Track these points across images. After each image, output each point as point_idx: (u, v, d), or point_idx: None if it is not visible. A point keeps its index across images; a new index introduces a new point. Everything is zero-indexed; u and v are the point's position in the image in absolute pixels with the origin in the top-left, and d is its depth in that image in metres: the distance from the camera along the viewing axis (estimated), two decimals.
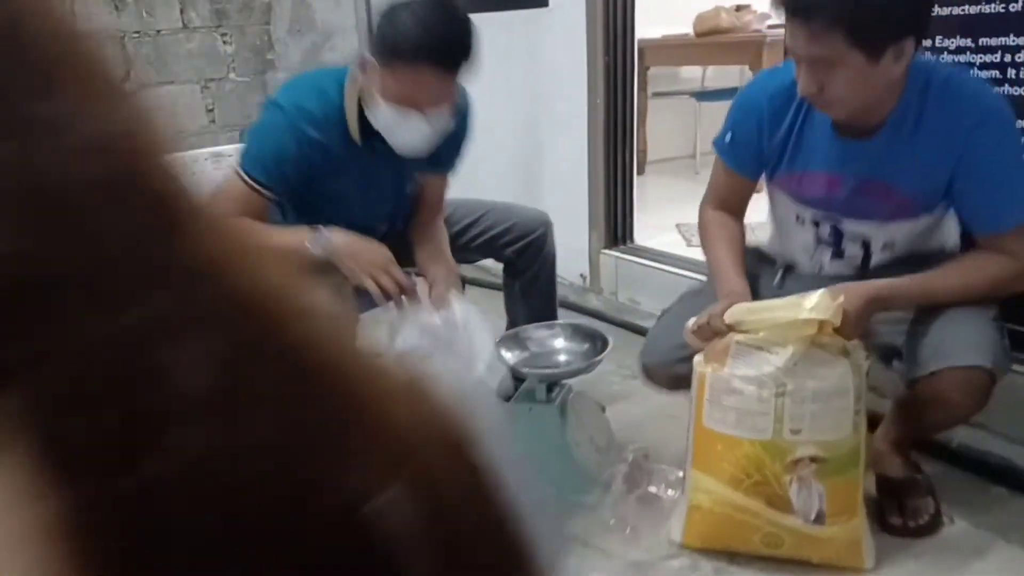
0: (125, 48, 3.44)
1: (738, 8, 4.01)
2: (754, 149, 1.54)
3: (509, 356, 1.71)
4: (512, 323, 1.98)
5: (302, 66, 3.84)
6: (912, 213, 1.49)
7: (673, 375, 1.58)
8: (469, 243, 1.95)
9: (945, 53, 1.81)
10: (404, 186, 1.80)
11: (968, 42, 1.77)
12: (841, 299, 1.31)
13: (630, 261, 2.86)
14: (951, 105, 1.35)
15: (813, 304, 1.33)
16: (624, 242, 2.98)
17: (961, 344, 1.37)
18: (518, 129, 3.24)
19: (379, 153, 1.62)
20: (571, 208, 3.02)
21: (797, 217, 1.60)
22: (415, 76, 1.46)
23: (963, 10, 1.77)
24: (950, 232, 1.57)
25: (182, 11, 3.52)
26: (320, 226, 1.54)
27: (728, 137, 1.60)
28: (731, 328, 1.41)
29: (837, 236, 1.56)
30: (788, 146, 1.50)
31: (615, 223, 2.95)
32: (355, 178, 1.66)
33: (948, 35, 1.80)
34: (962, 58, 1.78)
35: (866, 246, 1.55)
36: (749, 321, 1.40)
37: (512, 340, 1.74)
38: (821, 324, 1.32)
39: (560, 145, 3.04)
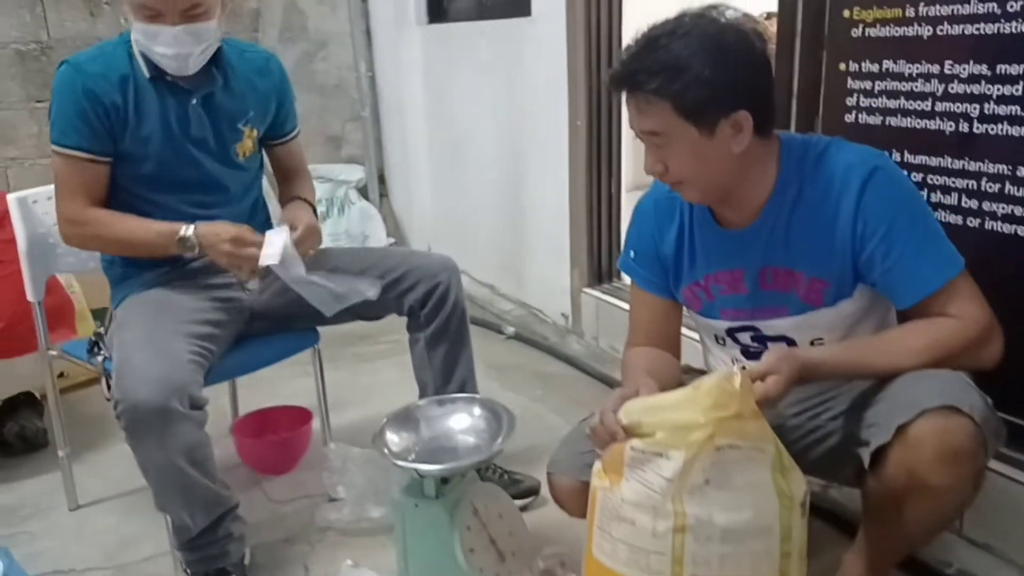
0: None
1: (768, 16, 3.65)
2: (658, 261, 1.39)
3: (395, 441, 1.44)
4: (422, 391, 1.71)
5: (293, 76, 3.64)
6: (827, 300, 1.26)
7: (579, 489, 1.28)
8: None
9: (955, 82, 1.47)
10: (226, 139, 1.65)
11: (983, 69, 1.42)
12: (744, 375, 1.09)
13: (613, 303, 2.55)
14: (829, 173, 1.22)
15: (710, 392, 1.04)
16: (608, 280, 2.67)
17: (926, 390, 1.12)
18: (500, 148, 2.98)
19: (176, 90, 1.58)
20: (553, 240, 2.74)
21: (716, 337, 1.39)
22: None
23: (977, 29, 1.42)
24: (891, 325, 1.32)
25: None
26: (183, 225, 1.53)
27: (632, 254, 1.43)
28: (628, 431, 1.11)
29: (761, 342, 1.33)
30: (683, 253, 1.36)
31: (598, 259, 2.65)
32: (163, 120, 1.58)
33: (959, 60, 1.45)
34: (975, 88, 1.44)
35: (792, 346, 1.30)
36: (646, 422, 1.10)
37: (401, 420, 1.46)
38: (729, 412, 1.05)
39: (542, 169, 2.77)
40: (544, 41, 2.59)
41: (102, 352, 1.59)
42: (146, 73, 1.54)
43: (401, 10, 3.46)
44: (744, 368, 1.15)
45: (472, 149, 3.19)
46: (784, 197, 1.25)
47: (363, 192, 3.81)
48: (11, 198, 1.68)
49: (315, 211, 1.77)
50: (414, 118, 3.53)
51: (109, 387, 1.46)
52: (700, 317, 1.41)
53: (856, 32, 1.63)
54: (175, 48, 1.49)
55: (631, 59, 1.17)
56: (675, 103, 1.14)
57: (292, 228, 1.56)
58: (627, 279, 2.33)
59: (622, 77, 1.18)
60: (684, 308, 1.43)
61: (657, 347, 1.40)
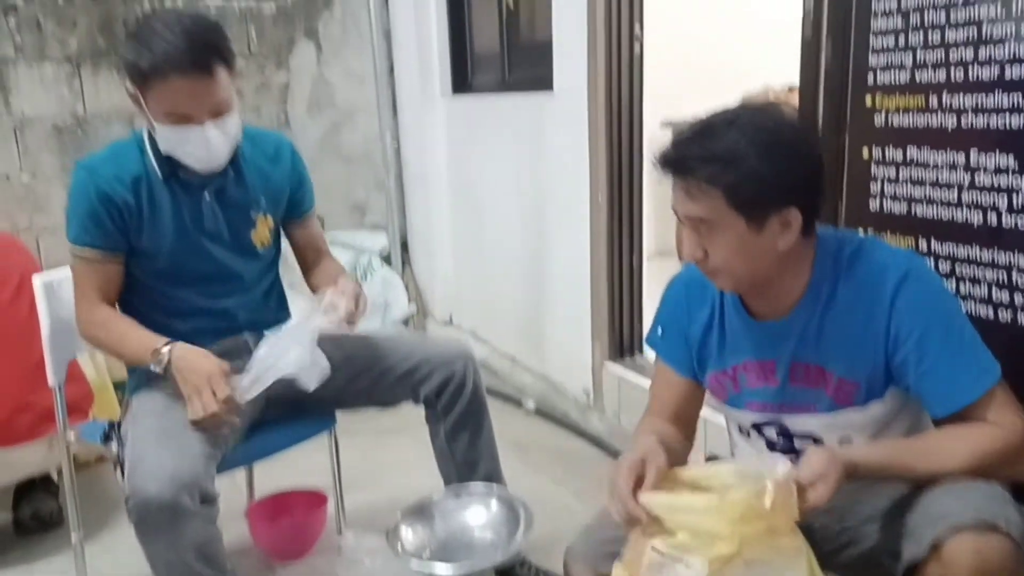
0: (135, 128, 3.38)
1: (791, 89, 3.67)
2: (685, 343, 1.36)
3: (409, 538, 1.40)
4: (446, 482, 1.68)
5: (320, 146, 3.72)
6: (857, 400, 1.22)
7: None
8: (376, 383, 1.69)
9: (982, 172, 1.44)
10: (240, 229, 1.66)
11: (1011, 161, 1.39)
12: (786, 484, 1.04)
13: (635, 379, 2.51)
14: (863, 274, 1.21)
15: (737, 505, 1.01)
16: (630, 354, 2.63)
17: (962, 504, 1.07)
18: (522, 219, 2.99)
19: (189, 187, 1.60)
20: (575, 313, 2.72)
21: (740, 429, 1.36)
22: (170, 88, 1.45)
23: (1003, 121, 1.40)
24: (923, 428, 1.28)
25: None
26: (165, 342, 1.50)
27: (659, 330, 1.41)
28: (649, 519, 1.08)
29: (787, 438, 1.29)
30: (712, 339, 1.33)
31: (620, 332, 2.62)
32: (177, 217, 1.60)
33: (985, 150, 1.43)
34: (1002, 180, 1.41)
35: (826, 445, 1.25)
36: (669, 519, 1.06)
37: (417, 514, 1.43)
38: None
39: (563, 241, 2.76)
40: (566, 116, 2.61)
41: (116, 441, 1.58)
42: (159, 173, 1.57)
43: (427, 82, 3.52)
44: (785, 474, 1.07)
45: (494, 219, 3.20)
46: (818, 295, 1.22)
47: (386, 259, 3.83)
48: (37, 282, 1.70)
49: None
50: (437, 187, 3.56)
51: (123, 476, 1.45)
52: (725, 407, 1.37)
53: (879, 119, 1.62)
54: (206, 148, 1.51)
55: (685, 143, 1.15)
56: (728, 194, 1.12)
57: (333, 308, 1.52)
58: (651, 355, 2.32)
59: (675, 161, 1.15)
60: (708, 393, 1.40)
61: (674, 426, 1.37)
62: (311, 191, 1.79)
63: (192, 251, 1.61)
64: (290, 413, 1.70)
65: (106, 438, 1.62)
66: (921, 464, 1.14)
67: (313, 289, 1.76)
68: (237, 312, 1.67)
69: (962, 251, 1.50)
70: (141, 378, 1.61)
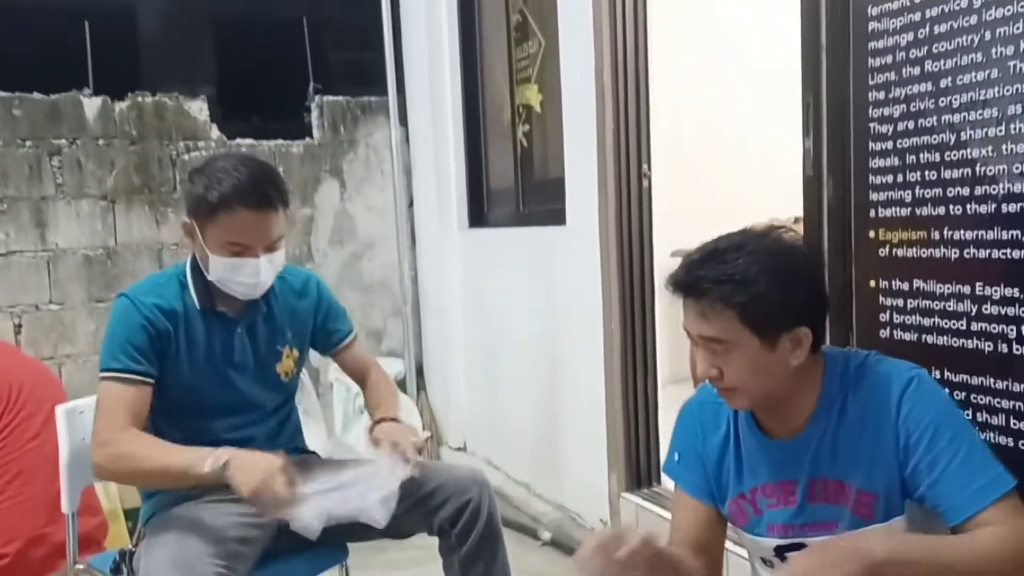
0: (162, 260, 3.50)
1: (796, 220, 3.77)
2: (702, 467, 1.37)
3: None
4: None
5: (340, 275, 3.83)
6: (878, 515, 1.22)
7: None
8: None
9: (988, 303, 1.47)
10: (267, 365, 1.72)
11: (1016, 292, 1.43)
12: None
13: (653, 509, 2.46)
14: (869, 385, 1.24)
15: None
16: (648, 485, 2.59)
17: None
18: (536, 348, 3.03)
19: (224, 320, 1.66)
20: (590, 442, 2.70)
21: (763, 560, 1.34)
22: (235, 221, 1.54)
23: (1004, 254, 1.44)
24: None
25: None
26: (212, 448, 1.51)
27: (676, 457, 1.41)
28: None
29: None
30: (728, 462, 1.33)
31: (636, 462, 2.59)
32: (208, 348, 1.65)
33: (989, 282, 1.46)
34: (1009, 310, 1.44)
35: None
36: None
37: None
38: None
39: (578, 369, 2.78)
40: (578, 248, 2.70)
41: (127, 571, 1.56)
42: (197, 305, 1.64)
43: (445, 216, 3.66)
44: None
45: (509, 347, 3.24)
46: (829, 410, 1.24)
47: (401, 385, 3.85)
48: (59, 410, 1.72)
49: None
50: (453, 316, 3.63)
51: None
52: (746, 535, 1.35)
53: (883, 251, 1.67)
54: (257, 278, 1.59)
55: (697, 266, 1.20)
56: (741, 313, 1.16)
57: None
58: (669, 484, 2.28)
59: (688, 283, 1.20)
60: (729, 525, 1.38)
61: (696, 558, 1.32)
62: (344, 319, 1.87)
63: (218, 382, 1.65)
64: (302, 544, 1.66)
65: (116, 569, 1.59)
66: (952, 554, 1.10)
67: (369, 408, 1.87)
68: (254, 439, 1.69)
69: (975, 380, 1.51)
70: (157, 505, 1.60)
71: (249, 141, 3.65)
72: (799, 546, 1.27)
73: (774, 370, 1.20)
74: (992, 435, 1.47)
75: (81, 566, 1.72)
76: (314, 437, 2.47)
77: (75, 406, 1.76)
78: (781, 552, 1.30)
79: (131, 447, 1.54)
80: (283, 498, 1.42)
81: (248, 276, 1.59)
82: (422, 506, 1.66)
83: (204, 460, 1.47)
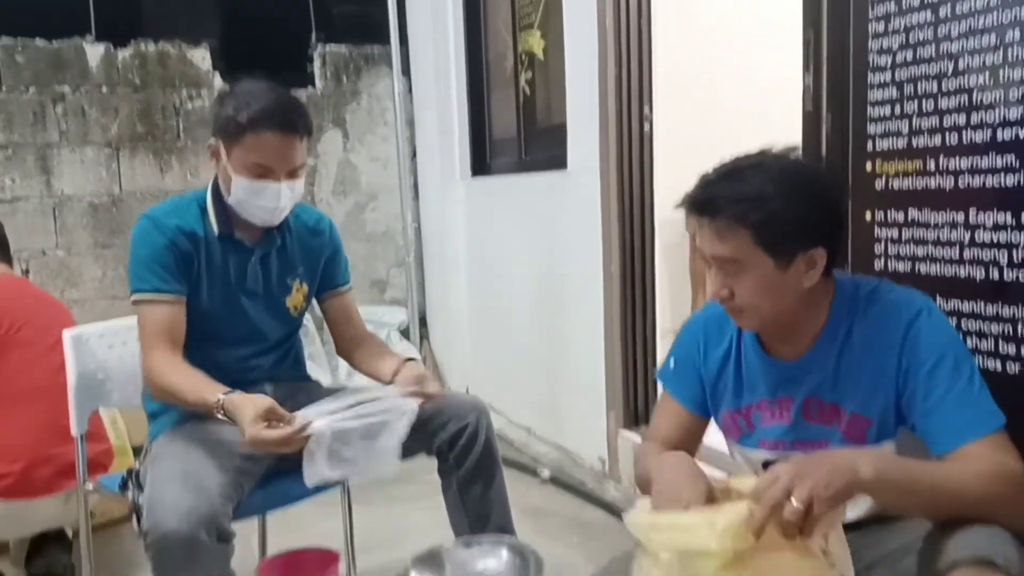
0: None
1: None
2: (698, 377, 1.39)
3: None
4: (457, 534, 1.68)
5: (344, 225, 3.85)
6: (869, 438, 1.23)
7: None
8: None
9: (981, 230, 1.49)
10: (277, 296, 1.74)
11: (1008, 218, 1.44)
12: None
13: None
14: (877, 313, 1.24)
15: (728, 514, 1.00)
16: (645, 423, 2.63)
17: (960, 541, 1.06)
18: (537, 293, 3.05)
19: (241, 248, 1.68)
20: (590, 384, 2.74)
21: (753, 470, 1.36)
22: (262, 142, 1.57)
23: (998, 180, 1.46)
24: None
25: None
26: (224, 391, 1.51)
27: (671, 363, 1.43)
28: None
29: None
30: (727, 377, 1.35)
31: (634, 402, 2.63)
32: (224, 275, 1.67)
33: (983, 209, 1.48)
34: (1001, 236, 1.45)
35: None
36: (653, 539, 1.05)
37: (427, 562, 1.43)
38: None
39: (578, 313, 2.81)
40: (579, 192, 2.71)
41: (133, 487, 1.61)
42: (216, 230, 1.66)
43: (447, 166, 3.66)
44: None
45: (510, 294, 3.27)
46: (835, 334, 1.25)
47: (405, 334, 3.89)
48: (66, 335, 1.76)
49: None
50: (455, 264, 3.65)
51: (139, 521, 1.46)
52: (737, 445, 1.38)
53: (880, 184, 1.68)
54: (276, 203, 1.61)
55: (712, 185, 1.19)
56: (755, 233, 1.15)
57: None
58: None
59: (703, 201, 1.18)
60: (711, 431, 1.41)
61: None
62: (345, 267, 1.88)
63: (230, 310, 1.68)
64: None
65: (124, 486, 1.64)
66: (940, 476, 1.10)
67: (359, 367, 1.82)
68: (259, 368, 1.73)
69: (967, 306, 1.53)
70: (163, 424, 1.64)
71: None
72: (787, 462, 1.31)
73: (786, 291, 1.20)
74: (981, 359, 1.50)
75: (90, 486, 1.77)
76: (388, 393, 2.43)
77: (82, 332, 1.80)
78: (769, 466, 1.34)
79: (166, 374, 1.56)
80: (274, 440, 1.41)
81: (269, 200, 1.60)
82: (422, 429, 1.70)
83: (211, 405, 1.49)
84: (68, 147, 3.36)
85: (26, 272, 3.30)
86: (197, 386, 1.54)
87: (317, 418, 1.47)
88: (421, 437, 1.71)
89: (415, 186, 3.91)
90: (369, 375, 1.78)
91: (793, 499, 0.99)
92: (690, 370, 1.40)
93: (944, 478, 1.11)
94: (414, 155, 3.91)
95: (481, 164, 3.59)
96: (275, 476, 1.68)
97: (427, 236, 3.91)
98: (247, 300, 1.71)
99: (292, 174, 1.62)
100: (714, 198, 1.17)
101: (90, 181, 3.39)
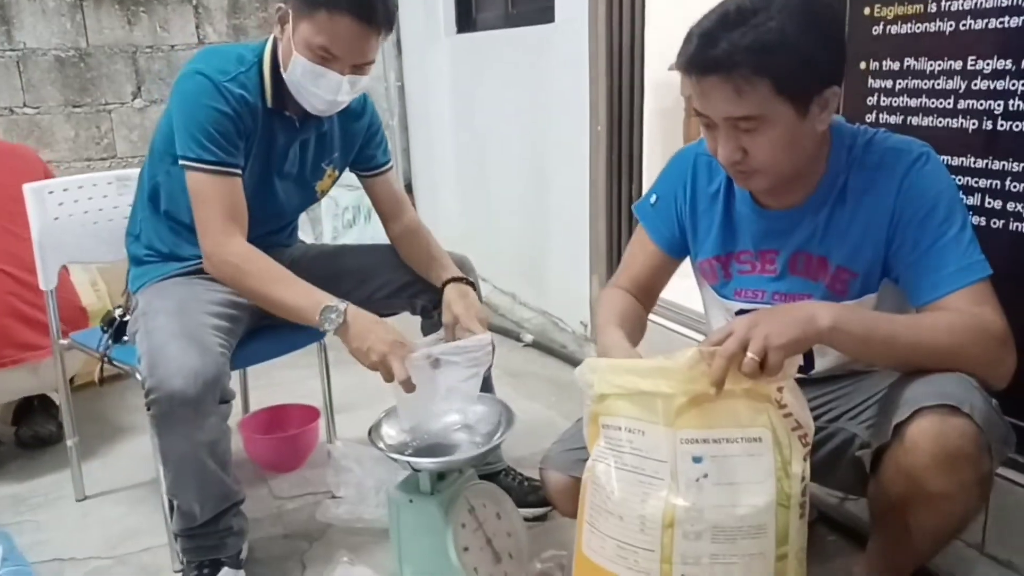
0: (137, 63, 3.37)
1: None
2: (676, 218, 1.34)
3: (391, 435, 1.42)
4: None
5: None
6: (852, 291, 1.20)
7: (571, 485, 1.25)
8: (372, 295, 1.69)
9: (979, 78, 1.41)
10: (310, 180, 1.67)
11: (1008, 64, 1.37)
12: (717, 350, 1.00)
13: None
14: (876, 158, 1.18)
15: (688, 361, 1.00)
16: None
17: (925, 389, 1.05)
18: (524, 156, 2.97)
19: (288, 126, 1.56)
20: (573, 251, 2.71)
21: (725, 317, 1.33)
22: (335, 25, 1.41)
23: (1001, 23, 1.37)
24: None
25: (197, 26, 3.44)
26: (340, 300, 1.43)
27: (653, 199, 1.37)
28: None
29: None
30: (712, 222, 1.30)
31: (617, 265, 2.60)
32: (267, 152, 1.56)
33: (982, 55, 1.40)
34: (999, 84, 1.38)
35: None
36: (614, 385, 1.04)
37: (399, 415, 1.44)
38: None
39: (563, 175, 2.75)
40: (566, 47, 2.58)
41: (108, 338, 1.60)
42: (270, 102, 1.52)
43: (431, 22, 3.48)
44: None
45: (497, 158, 3.19)
46: (831, 188, 1.20)
47: None
48: (26, 188, 1.70)
49: (471, 285, 1.63)
50: (440, 127, 3.54)
51: (104, 367, 1.43)
52: (711, 291, 1.36)
53: (877, 30, 1.59)
54: (334, 95, 1.47)
55: (720, 36, 1.05)
56: (776, 81, 1.05)
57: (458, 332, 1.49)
58: None
59: (716, 58, 1.05)
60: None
61: (639, 296, 1.38)
62: (386, 148, 1.76)
63: (262, 189, 1.58)
64: (281, 322, 1.71)
65: (116, 336, 1.62)
66: (901, 328, 1.08)
67: (408, 261, 1.72)
68: (266, 242, 1.64)
69: (956, 160, 1.48)
70: (148, 274, 1.60)
71: None
72: None
73: (804, 141, 1.12)
74: (970, 213, 1.46)
75: (65, 342, 1.77)
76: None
77: (45, 185, 1.74)
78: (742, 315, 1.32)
79: (244, 265, 1.46)
80: (399, 374, 1.34)
81: (327, 90, 1.46)
82: (405, 291, 1.69)
83: (317, 309, 1.40)
84: None
85: None
86: (298, 288, 1.44)
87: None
88: (404, 297, 1.69)
89: (398, 44, 3.73)
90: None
91: (748, 351, 0.98)
92: (670, 209, 1.35)
93: (910, 329, 1.08)
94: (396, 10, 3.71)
95: (467, 20, 3.41)
96: (257, 332, 1.66)
97: (411, 97, 3.77)
98: (279, 181, 1.62)
99: (359, 68, 1.47)
100: (729, 52, 1.04)
101: (54, 34, 3.22)
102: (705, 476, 1.00)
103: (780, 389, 1.00)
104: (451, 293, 1.58)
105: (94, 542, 1.72)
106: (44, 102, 3.26)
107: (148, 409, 1.35)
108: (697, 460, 1.00)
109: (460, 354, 1.40)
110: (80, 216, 1.77)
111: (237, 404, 2.17)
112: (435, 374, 1.39)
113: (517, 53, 2.94)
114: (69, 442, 1.84)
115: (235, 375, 2.14)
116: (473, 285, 1.64)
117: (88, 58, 3.29)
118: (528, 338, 2.81)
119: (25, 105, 3.24)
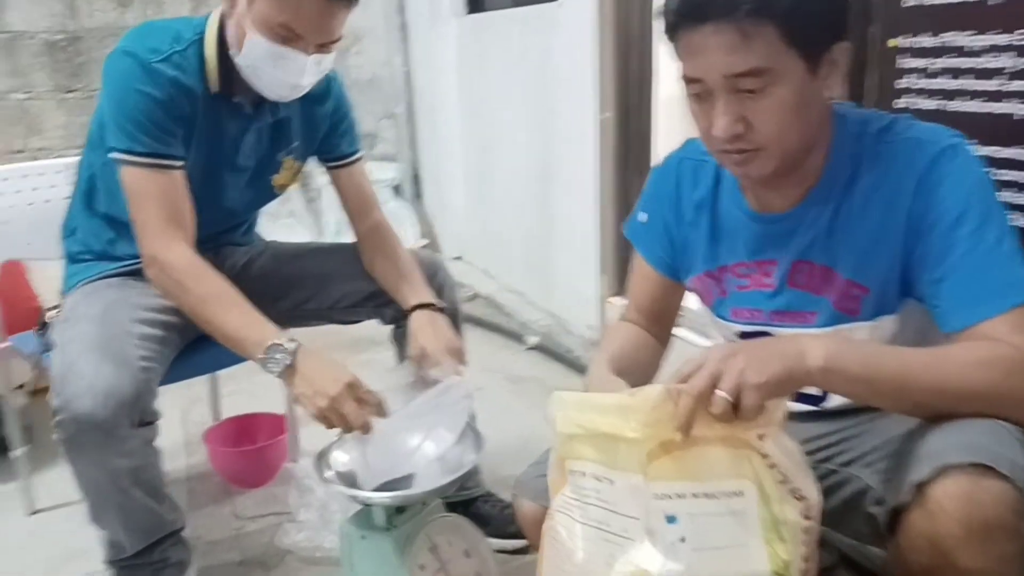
0: None
1: None
2: (667, 233, 1.17)
3: (343, 460, 1.25)
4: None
5: None
6: (864, 312, 1.00)
7: (541, 515, 1.07)
8: (337, 303, 1.55)
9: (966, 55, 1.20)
10: (265, 174, 1.50)
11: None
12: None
13: None
14: (892, 151, 0.97)
15: (652, 400, 0.81)
16: None
17: (954, 440, 0.84)
18: (530, 148, 2.79)
19: (238, 114, 1.40)
20: (582, 251, 2.53)
21: (725, 341, 1.16)
22: (298, 0, 1.24)
23: None
24: None
25: (192, 10, 3.30)
26: (288, 337, 1.25)
27: (643, 217, 1.19)
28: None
29: None
30: (699, 232, 1.12)
31: (626, 268, 2.41)
32: (211, 146, 1.38)
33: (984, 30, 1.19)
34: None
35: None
36: (572, 421, 0.87)
37: (353, 438, 1.27)
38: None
39: (571, 167, 2.56)
40: (573, 27, 2.40)
41: (39, 346, 1.46)
42: (215, 87, 1.35)
43: (437, 3, 3.31)
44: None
45: (503, 151, 3.02)
46: (835, 181, 1.01)
47: (397, 191, 3.68)
48: None
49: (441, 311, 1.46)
50: (447, 116, 3.38)
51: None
52: (710, 313, 1.18)
53: (909, 1, 1.38)
54: (298, 78, 1.31)
55: None
56: (786, 27, 0.89)
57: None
58: None
59: (717, 3, 0.89)
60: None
61: (648, 328, 1.20)
62: (354, 136, 1.57)
63: (208, 186, 1.41)
64: None
65: (43, 344, 1.48)
66: (920, 374, 0.87)
67: (373, 272, 1.54)
68: (213, 245, 1.52)
69: (1003, 152, 1.27)
70: (80, 274, 1.45)
71: None
72: (765, 335, 1.10)
73: (813, 107, 0.94)
74: (1015, 216, 1.25)
75: (4, 345, 1.63)
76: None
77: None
78: (746, 339, 1.13)
79: (185, 280, 1.29)
80: (353, 420, 1.22)
81: (289, 73, 1.30)
82: (373, 300, 1.53)
83: (262, 346, 1.23)
84: None
85: None
86: (243, 317, 1.26)
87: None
88: (372, 307, 1.54)
89: (403, 27, 3.56)
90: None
91: (719, 388, 0.80)
92: (659, 225, 1.17)
93: (930, 369, 0.87)
94: None
95: (474, 0, 3.24)
96: (199, 343, 1.50)
97: (417, 84, 3.61)
98: (229, 176, 1.44)
99: (324, 47, 1.31)
100: None
101: (43, 16, 3.10)
102: (682, 540, 0.82)
103: (761, 437, 0.81)
104: (418, 320, 1.41)
105: (36, 563, 1.58)
106: (34, 87, 3.15)
107: (55, 430, 1.20)
108: (671, 520, 0.82)
109: (434, 412, 1.25)
110: (23, 208, 1.64)
111: (206, 414, 2.04)
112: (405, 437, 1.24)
113: (523, 34, 2.76)
114: (16, 452, 1.70)
115: (203, 381, 2.00)
116: (444, 310, 1.46)
117: (78, 42, 3.17)
118: (531, 340, 2.64)
119: (14, 91, 3.13)
